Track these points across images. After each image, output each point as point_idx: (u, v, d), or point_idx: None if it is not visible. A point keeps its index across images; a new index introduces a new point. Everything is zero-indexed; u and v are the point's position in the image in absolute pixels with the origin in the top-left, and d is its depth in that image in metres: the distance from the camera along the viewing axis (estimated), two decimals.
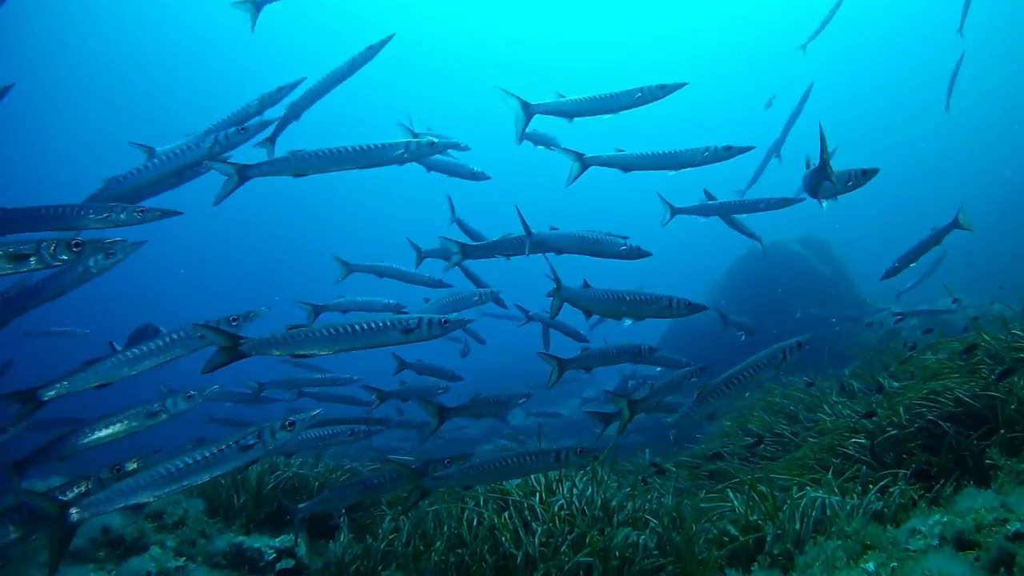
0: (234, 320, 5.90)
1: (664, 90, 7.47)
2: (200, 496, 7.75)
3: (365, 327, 5.46)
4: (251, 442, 4.93)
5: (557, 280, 7.05)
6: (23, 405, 5.60)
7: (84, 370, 5.69)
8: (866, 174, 6.42)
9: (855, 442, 6.78)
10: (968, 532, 4.10)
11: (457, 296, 9.52)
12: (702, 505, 6.44)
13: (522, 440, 17.48)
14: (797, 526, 5.14)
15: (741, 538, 5.30)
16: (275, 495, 7.71)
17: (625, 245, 7.56)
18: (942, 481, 5.80)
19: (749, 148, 7.73)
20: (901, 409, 6.63)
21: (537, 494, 6.32)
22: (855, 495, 5.56)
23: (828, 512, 5.21)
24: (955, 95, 19.17)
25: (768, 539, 5.17)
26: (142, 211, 5.99)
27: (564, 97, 7.65)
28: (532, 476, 6.70)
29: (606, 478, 6.82)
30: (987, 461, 5.60)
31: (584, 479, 6.71)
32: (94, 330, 17.51)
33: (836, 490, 5.70)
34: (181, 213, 6.17)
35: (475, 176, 9.90)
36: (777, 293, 19.96)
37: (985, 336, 7.11)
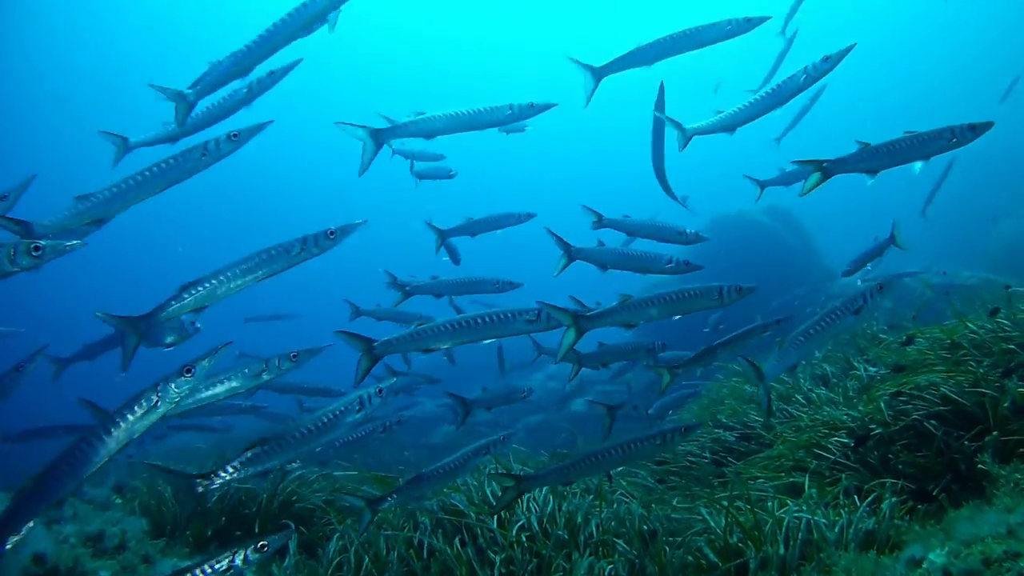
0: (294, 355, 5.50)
1: (534, 108, 6.98)
2: (144, 514, 7.29)
3: (490, 319, 5.60)
4: (357, 407, 5.28)
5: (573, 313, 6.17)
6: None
7: None
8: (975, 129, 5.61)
9: (837, 441, 6.32)
10: (976, 572, 3.64)
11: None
12: (674, 516, 5.96)
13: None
14: (781, 550, 4.65)
15: (721, 565, 4.80)
16: (221, 509, 7.17)
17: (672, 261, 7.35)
18: (933, 486, 5.40)
19: (766, 18, 7.14)
20: (883, 405, 6.17)
21: (496, 516, 5.79)
22: (843, 510, 5.08)
23: (815, 534, 4.72)
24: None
25: (751, 566, 4.68)
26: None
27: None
28: (488, 490, 6.22)
29: (567, 489, 6.34)
30: (980, 467, 5.18)
31: (545, 489, 6.22)
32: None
33: (820, 505, 5.22)
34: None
35: (522, 219, 9.29)
36: (741, 263, 19.59)
37: (969, 324, 6.66)
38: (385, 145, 8.94)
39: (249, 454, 5.14)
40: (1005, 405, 5.48)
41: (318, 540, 6.92)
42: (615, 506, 6.34)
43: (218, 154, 5.46)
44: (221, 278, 5.06)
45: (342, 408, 5.27)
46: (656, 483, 7.70)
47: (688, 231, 8.03)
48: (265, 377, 5.27)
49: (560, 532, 5.45)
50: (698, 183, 18.37)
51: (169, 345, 7.80)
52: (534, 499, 5.97)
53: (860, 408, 6.41)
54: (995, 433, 5.39)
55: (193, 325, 7.84)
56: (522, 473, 6.05)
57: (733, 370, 10.13)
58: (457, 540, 5.49)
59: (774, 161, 10.63)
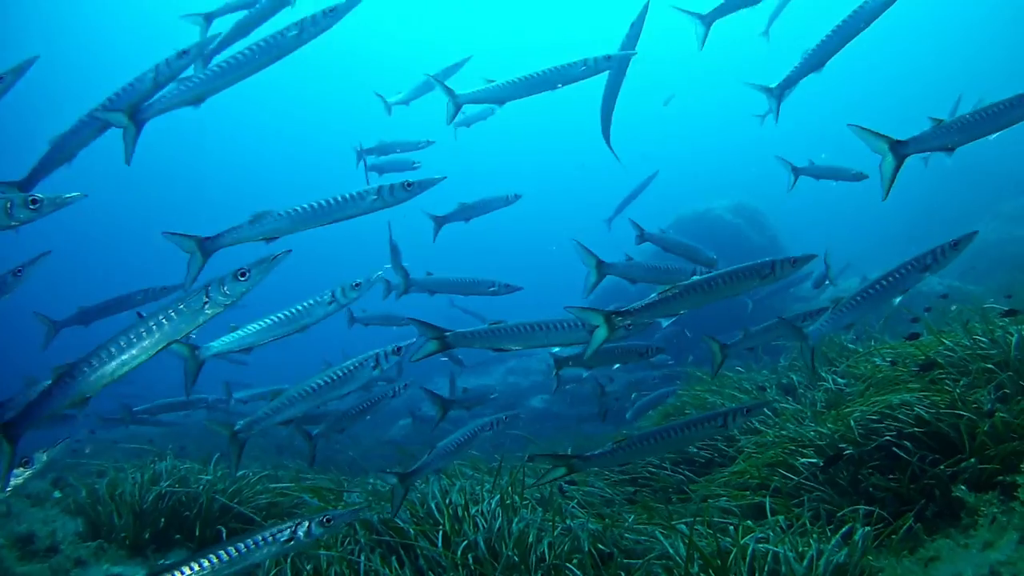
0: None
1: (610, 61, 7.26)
2: (79, 513, 6.93)
3: (558, 325, 5.72)
4: (372, 364, 5.55)
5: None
6: None
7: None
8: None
9: (803, 459, 5.99)
10: None
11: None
12: (627, 536, 5.58)
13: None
14: None
15: None
16: (158, 511, 6.76)
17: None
18: (906, 509, 5.10)
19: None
20: (853, 423, 5.85)
21: (441, 528, 5.37)
22: (812, 538, 4.73)
23: (783, 568, 4.37)
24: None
25: None
26: None
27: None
28: (433, 502, 5.81)
29: (519, 501, 5.94)
30: (956, 495, 4.87)
31: (495, 502, 5.82)
32: None
33: (787, 532, 4.87)
34: None
35: (510, 201, 9.65)
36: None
37: (945, 340, 6.36)
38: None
39: (270, 405, 5.38)
40: (984, 429, 5.16)
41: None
42: (568, 521, 5.96)
43: (392, 200, 5.38)
44: (291, 212, 5.22)
45: (359, 363, 5.53)
46: (614, 495, 7.33)
47: (712, 256, 8.84)
48: (208, 311, 4.43)
49: (510, 553, 5.05)
50: (663, 181, 18.06)
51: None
52: (482, 515, 5.56)
53: (829, 425, 6.08)
54: (972, 460, 5.08)
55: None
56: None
57: (696, 377, 9.81)
58: (394, 559, 5.07)
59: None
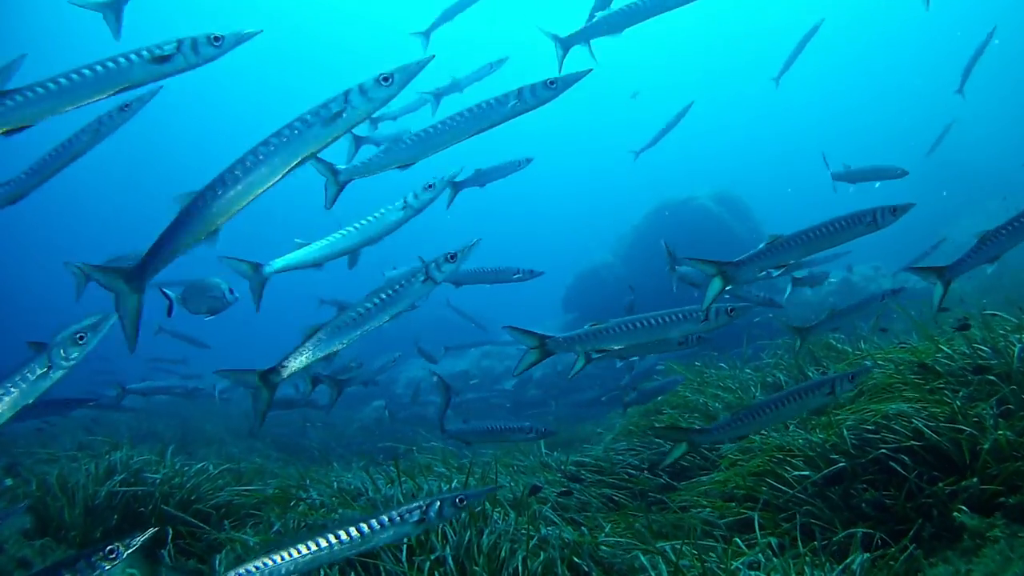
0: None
1: None
2: (29, 511, 6.46)
3: (658, 321, 5.51)
4: (422, 277, 4.68)
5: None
6: None
7: None
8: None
9: (792, 468, 5.67)
10: None
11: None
12: (604, 550, 5.24)
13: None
14: None
15: None
16: (112, 507, 6.44)
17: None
18: (902, 529, 4.80)
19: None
20: (847, 432, 5.53)
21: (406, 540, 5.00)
22: (805, 564, 4.41)
23: None
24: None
25: None
26: None
27: None
28: None
29: (489, 509, 5.59)
30: (955, 515, 4.57)
31: (465, 515, 5.46)
32: None
33: (779, 557, 4.55)
34: None
35: (522, 165, 9.36)
36: (686, 250, 19.04)
37: (944, 347, 6.05)
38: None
39: (313, 339, 4.56)
40: (985, 447, 4.86)
41: (219, 545, 6.13)
42: (543, 529, 5.63)
43: (534, 101, 4.61)
44: (429, 131, 4.69)
45: (407, 277, 4.72)
46: (590, 499, 7.01)
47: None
48: (346, 117, 3.95)
49: (478, 571, 4.70)
50: (647, 168, 17.75)
51: (209, 313, 7.13)
52: (452, 526, 5.19)
53: (819, 434, 5.75)
54: (974, 479, 4.77)
55: (231, 293, 7.15)
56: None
57: (676, 373, 9.49)
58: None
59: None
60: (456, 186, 9.07)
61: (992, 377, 5.42)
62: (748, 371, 9.15)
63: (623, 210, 22.85)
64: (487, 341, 20.72)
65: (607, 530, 5.79)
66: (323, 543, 3.82)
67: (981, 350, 5.75)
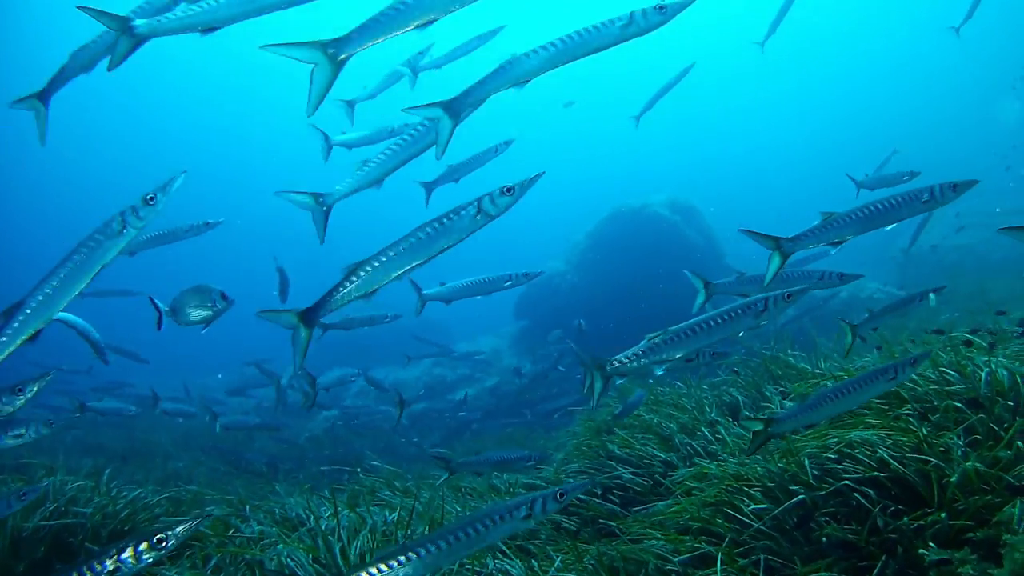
0: None
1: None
2: None
3: (719, 320, 5.33)
4: (474, 211, 4.43)
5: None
6: None
7: None
8: None
9: (749, 499, 5.36)
10: None
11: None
12: None
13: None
14: None
15: None
16: (39, 539, 6.00)
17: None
18: (865, 564, 4.51)
19: None
20: (807, 462, 5.24)
21: None
22: None
23: None
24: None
25: None
26: None
27: None
28: (338, 546, 5.02)
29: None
30: (922, 552, 4.29)
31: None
32: None
33: None
34: None
35: (500, 150, 9.09)
36: (641, 258, 18.84)
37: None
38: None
39: (355, 277, 4.38)
40: (953, 479, 4.59)
41: None
42: (490, 564, 5.28)
43: (646, 24, 4.55)
44: (545, 48, 4.63)
45: (454, 212, 4.44)
46: (541, 524, 6.65)
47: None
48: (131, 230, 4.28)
49: None
50: (604, 176, 17.54)
51: (202, 322, 6.56)
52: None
53: (779, 463, 5.45)
54: (942, 514, 4.49)
55: (225, 298, 6.58)
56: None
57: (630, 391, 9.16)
58: None
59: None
60: (429, 186, 8.99)
61: (959, 404, 5.16)
62: (705, 387, 8.87)
63: (577, 219, 22.57)
64: (445, 352, 20.35)
65: (557, 563, 5.45)
66: (443, 544, 3.93)
67: (948, 374, 5.49)
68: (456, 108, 4.67)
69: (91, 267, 4.13)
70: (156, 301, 6.47)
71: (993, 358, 5.53)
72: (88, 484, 7.01)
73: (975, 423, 4.97)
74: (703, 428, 7.18)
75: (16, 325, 4.06)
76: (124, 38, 4.57)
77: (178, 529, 3.77)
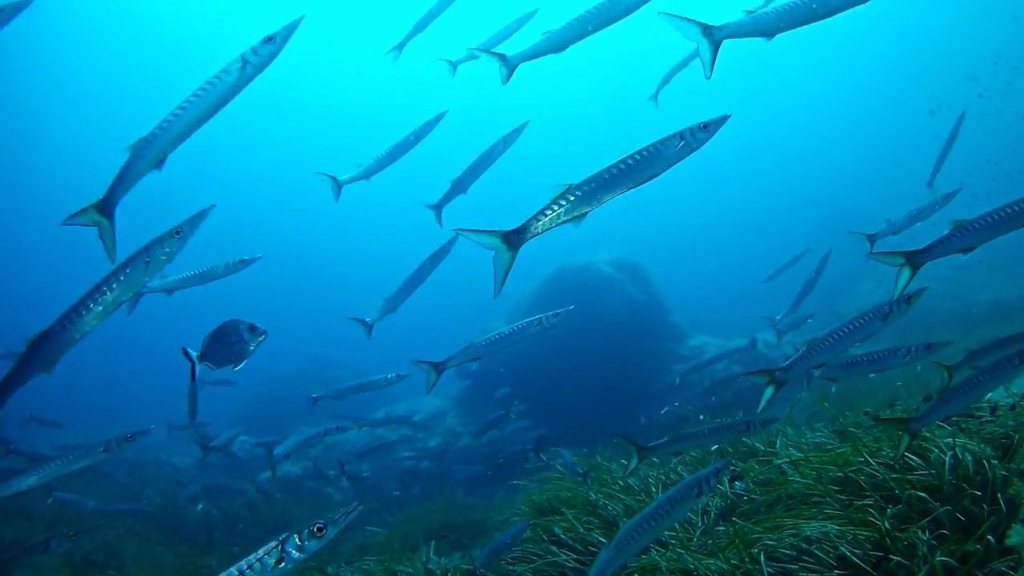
0: None
1: None
2: None
3: (856, 325, 5.74)
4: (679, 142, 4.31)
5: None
6: None
7: None
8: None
9: None
10: None
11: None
12: None
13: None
14: None
15: None
16: None
17: None
18: None
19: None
20: (763, 559, 4.82)
21: None
22: None
23: None
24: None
25: None
26: None
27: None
28: None
29: None
30: None
31: None
32: None
33: None
34: None
35: (509, 142, 8.63)
36: (584, 317, 18.47)
37: (868, 458, 5.42)
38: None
39: (563, 198, 4.29)
40: None
41: None
42: None
43: None
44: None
45: (660, 143, 4.31)
46: None
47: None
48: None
49: None
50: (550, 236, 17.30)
51: (235, 361, 6.13)
52: None
53: (732, 559, 5.01)
54: None
55: (254, 331, 6.14)
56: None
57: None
58: None
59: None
60: (438, 207, 8.98)
61: (923, 494, 4.79)
62: (656, 459, 8.41)
63: (520, 280, 22.24)
64: (359, 421, 18.91)
65: None
66: None
67: (910, 459, 5.13)
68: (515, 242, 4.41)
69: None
70: (188, 351, 6.07)
71: (958, 439, 5.20)
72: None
73: (941, 515, 4.60)
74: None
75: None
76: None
77: (336, 518, 3.54)
